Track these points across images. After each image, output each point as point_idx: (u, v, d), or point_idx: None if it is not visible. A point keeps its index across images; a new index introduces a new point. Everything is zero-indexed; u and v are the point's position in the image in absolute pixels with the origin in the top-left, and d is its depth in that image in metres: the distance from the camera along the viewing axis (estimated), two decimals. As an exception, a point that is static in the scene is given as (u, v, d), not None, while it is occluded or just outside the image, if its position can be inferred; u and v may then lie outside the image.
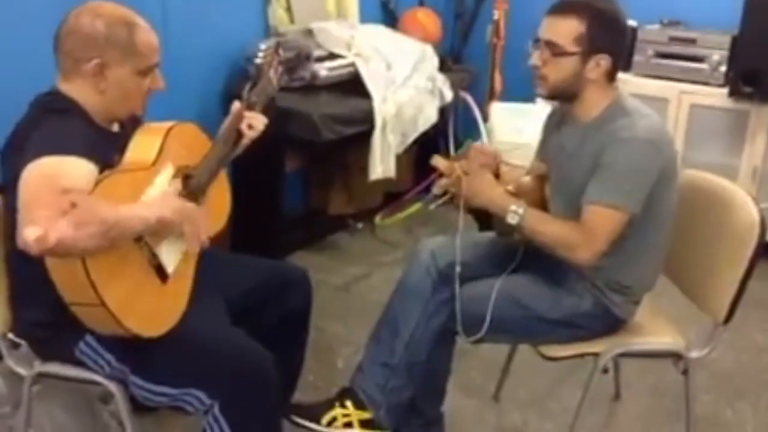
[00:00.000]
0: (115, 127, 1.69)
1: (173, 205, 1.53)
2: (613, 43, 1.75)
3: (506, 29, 3.95)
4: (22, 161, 1.41)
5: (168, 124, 1.66)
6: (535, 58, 1.78)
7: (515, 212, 1.75)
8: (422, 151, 3.83)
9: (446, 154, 3.89)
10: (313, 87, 3.05)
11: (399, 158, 3.35)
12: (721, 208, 1.87)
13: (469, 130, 4.07)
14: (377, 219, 3.78)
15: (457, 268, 1.84)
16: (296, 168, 3.59)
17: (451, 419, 2.15)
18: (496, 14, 3.86)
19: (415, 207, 3.88)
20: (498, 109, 3.78)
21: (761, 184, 3.38)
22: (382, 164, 3.23)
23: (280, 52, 1.97)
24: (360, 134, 3.12)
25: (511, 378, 2.42)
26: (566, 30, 1.73)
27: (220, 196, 1.82)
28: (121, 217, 1.38)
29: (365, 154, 3.21)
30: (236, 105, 1.87)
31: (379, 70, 3.23)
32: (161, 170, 1.60)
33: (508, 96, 4.00)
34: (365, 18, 3.72)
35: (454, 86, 3.67)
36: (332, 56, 3.16)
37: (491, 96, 3.99)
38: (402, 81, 3.31)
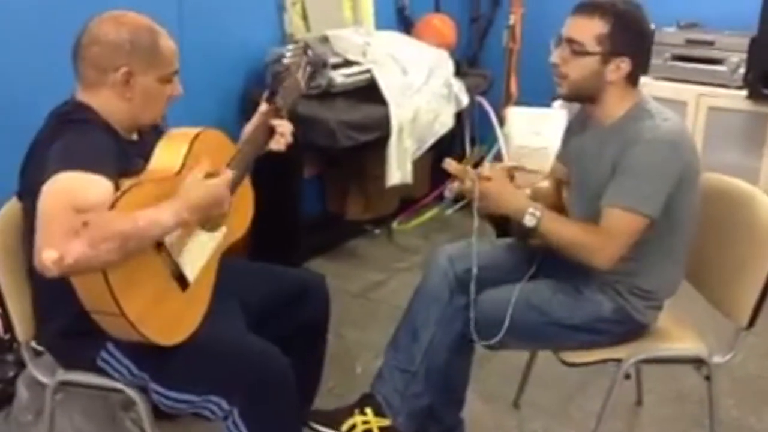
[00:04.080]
0: (134, 136, 1.70)
1: (191, 203, 1.50)
2: (635, 47, 1.75)
3: (522, 33, 3.95)
4: (40, 175, 1.41)
5: (194, 130, 1.66)
6: (556, 56, 1.78)
7: (533, 214, 1.74)
8: (438, 156, 3.80)
9: (461, 159, 3.91)
10: (329, 94, 3.06)
11: (415, 164, 3.35)
12: (741, 211, 1.85)
13: (485, 134, 4.06)
14: (394, 224, 3.78)
15: (474, 270, 1.83)
16: (313, 174, 3.60)
17: (471, 426, 2.14)
18: (512, 19, 3.86)
19: (432, 212, 3.88)
20: (515, 114, 3.77)
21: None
22: (399, 170, 3.23)
23: (309, 53, 1.97)
24: (376, 140, 3.13)
25: (531, 384, 2.40)
26: (589, 29, 1.72)
27: (243, 204, 1.83)
28: (139, 227, 1.38)
29: (382, 160, 3.22)
30: (263, 108, 1.87)
31: (395, 76, 3.24)
32: (186, 179, 1.59)
33: (524, 100, 3.99)
34: (381, 24, 3.73)
35: (470, 91, 3.67)
36: (348, 63, 3.17)
37: (507, 100, 3.98)
38: (418, 87, 3.32)
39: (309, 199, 3.56)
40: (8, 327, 2.27)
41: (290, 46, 2.00)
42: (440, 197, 3.99)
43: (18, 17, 2.34)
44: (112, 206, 1.39)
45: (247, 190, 1.85)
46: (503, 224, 1.98)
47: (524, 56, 3.97)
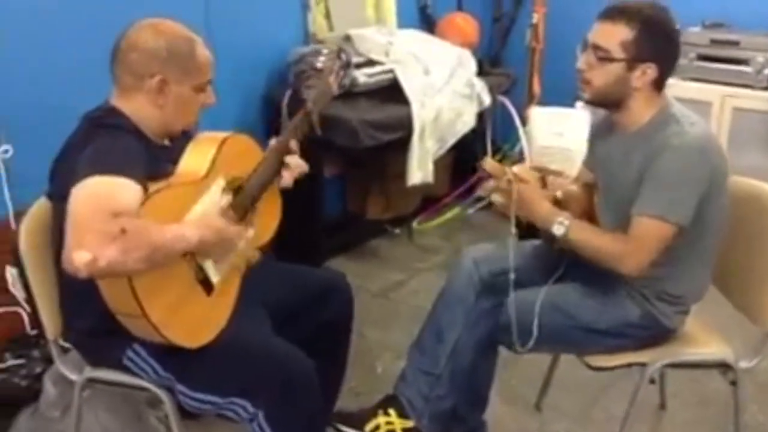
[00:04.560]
0: (166, 142, 1.71)
1: (214, 226, 1.54)
2: (661, 52, 1.73)
3: (545, 33, 3.93)
4: (72, 179, 1.42)
5: (222, 135, 1.67)
6: (581, 62, 1.77)
7: (561, 223, 1.74)
8: (459, 156, 3.83)
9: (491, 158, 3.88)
10: (351, 94, 3.06)
11: (436, 163, 3.34)
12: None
13: (507, 134, 4.05)
14: (415, 224, 3.78)
15: (512, 275, 1.82)
16: (334, 174, 3.61)
17: (493, 427, 2.14)
18: (535, 18, 3.83)
19: (453, 212, 3.87)
20: (537, 113, 3.74)
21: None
22: (420, 170, 3.23)
23: (343, 56, 1.98)
24: (398, 140, 3.13)
25: (553, 387, 2.40)
26: (614, 36, 1.71)
27: (271, 208, 1.84)
28: (166, 240, 1.41)
29: (403, 159, 3.22)
30: (272, 143, 1.85)
31: (418, 76, 3.23)
32: (212, 183, 1.61)
33: (547, 100, 3.97)
34: (403, 23, 3.72)
35: (493, 90, 3.65)
36: (371, 62, 3.17)
37: (530, 100, 3.96)
38: (440, 86, 3.31)
39: (329, 199, 3.57)
40: (35, 323, 2.31)
41: (324, 50, 2.01)
42: (461, 196, 3.99)
43: (52, 19, 2.36)
44: (139, 209, 1.40)
45: (275, 195, 1.85)
46: (527, 227, 1.96)
47: (547, 56, 3.95)
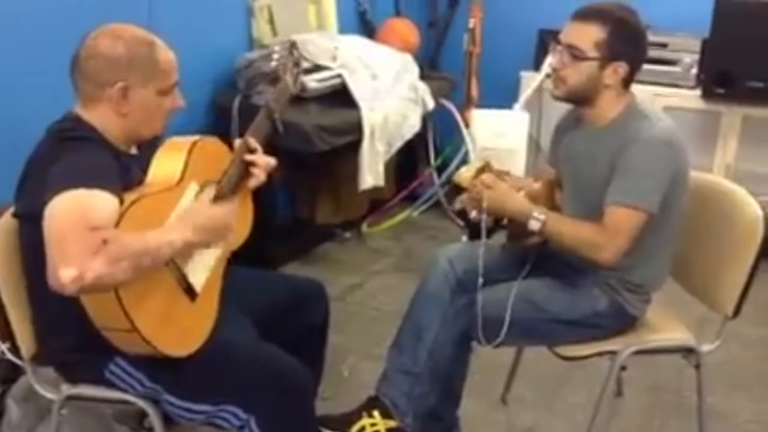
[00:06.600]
0: (134, 150, 1.68)
1: (195, 223, 1.52)
2: (632, 51, 1.82)
3: (481, 37, 4.02)
4: (43, 194, 1.38)
5: (191, 139, 1.64)
6: (555, 61, 1.84)
7: (537, 218, 1.80)
8: (403, 159, 3.87)
9: (427, 163, 3.94)
10: (301, 98, 3.05)
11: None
12: (722, 206, 1.94)
13: (447, 137, 4.12)
14: (364, 227, 3.80)
15: (480, 280, 1.88)
16: (281, 179, 3.58)
17: (463, 423, 2.17)
18: (472, 22, 3.92)
19: (402, 215, 3.91)
20: (479, 116, 3.84)
21: (734, 181, 3.50)
22: (371, 173, 3.26)
23: (295, 53, 1.98)
24: (348, 144, 3.15)
25: (515, 380, 2.46)
26: (588, 35, 1.79)
27: (243, 211, 1.82)
28: (150, 247, 1.39)
29: (351, 162, 3.25)
30: (237, 144, 1.82)
31: (365, 81, 3.26)
32: (186, 189, 1.58)
33: (484, 103, 4.07)
34: (343, 29, 3.74)
35: (434, 94, 3.72)
36: (317, 68, 3.18)
37: (468, 103, 4.04)
38: (387, 90, 3.36)
39: (278, 205, 3.55)
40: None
41: (276, 48, 2.01)
42: (406, 199, 4.04)
43: (7, 31, 2.27)
44: (118, 222, 1.38)
45: (245, 198, 1.84)
46: (476, 226, 2.01)
47: (483, 59, 4.03)
